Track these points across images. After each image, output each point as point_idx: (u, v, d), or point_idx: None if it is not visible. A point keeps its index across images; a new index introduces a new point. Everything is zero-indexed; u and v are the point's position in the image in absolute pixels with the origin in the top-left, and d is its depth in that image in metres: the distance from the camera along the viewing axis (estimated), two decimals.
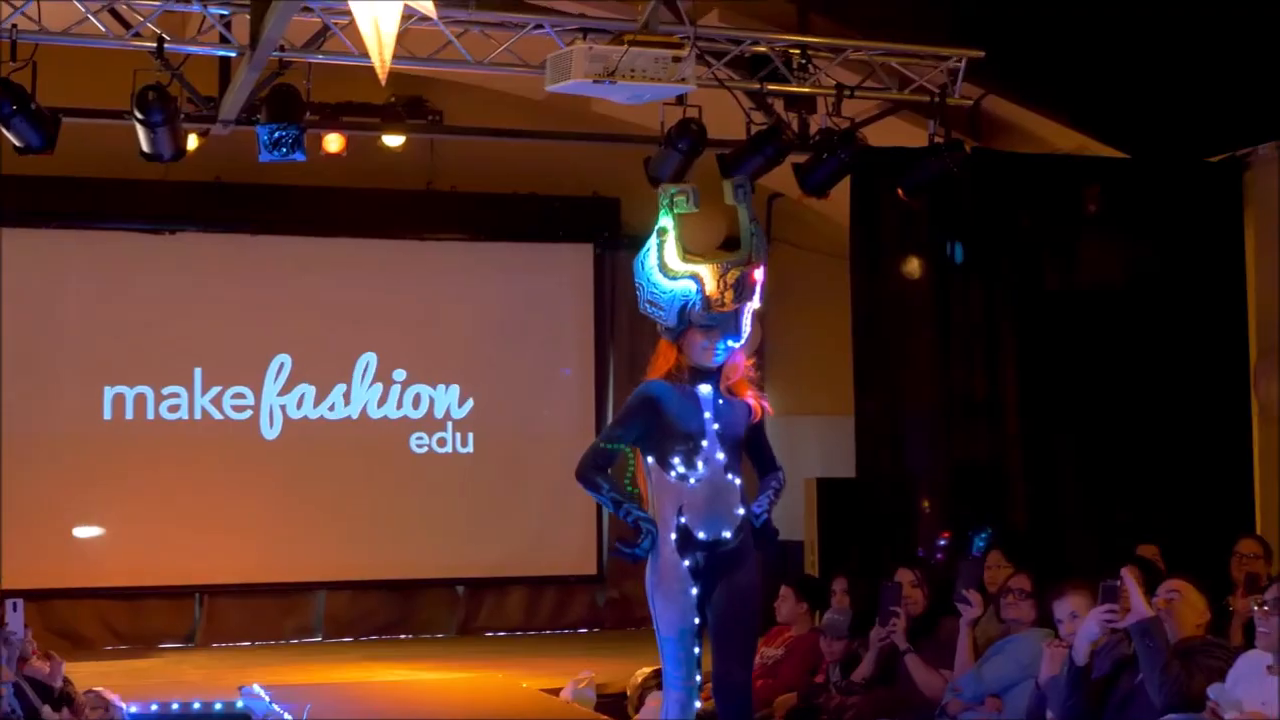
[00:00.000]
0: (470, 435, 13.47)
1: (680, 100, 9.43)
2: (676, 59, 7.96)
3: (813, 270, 13.11)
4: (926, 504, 10.39)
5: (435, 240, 13.52)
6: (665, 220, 6.19)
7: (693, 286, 6.07)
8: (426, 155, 12.92)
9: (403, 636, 13.26)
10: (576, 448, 13.68)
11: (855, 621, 8.20)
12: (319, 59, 9.06)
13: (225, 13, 8.67)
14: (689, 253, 6.15)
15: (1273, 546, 8.90)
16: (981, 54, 9.55)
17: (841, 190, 10.22)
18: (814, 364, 13.27)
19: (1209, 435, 10.59)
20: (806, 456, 13.13)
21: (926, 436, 10.40)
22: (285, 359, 13.06)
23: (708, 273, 6.09)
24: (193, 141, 9.81)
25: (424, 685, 10.55)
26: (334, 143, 11.45)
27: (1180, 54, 9.73)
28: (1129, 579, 5.91)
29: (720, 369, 6.15)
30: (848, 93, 9.75)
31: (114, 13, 8.65)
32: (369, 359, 13.22)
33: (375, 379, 13.26)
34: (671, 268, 6.12)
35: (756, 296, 6.15)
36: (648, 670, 9.33)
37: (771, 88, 9.76)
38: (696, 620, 6.02)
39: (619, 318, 13.91)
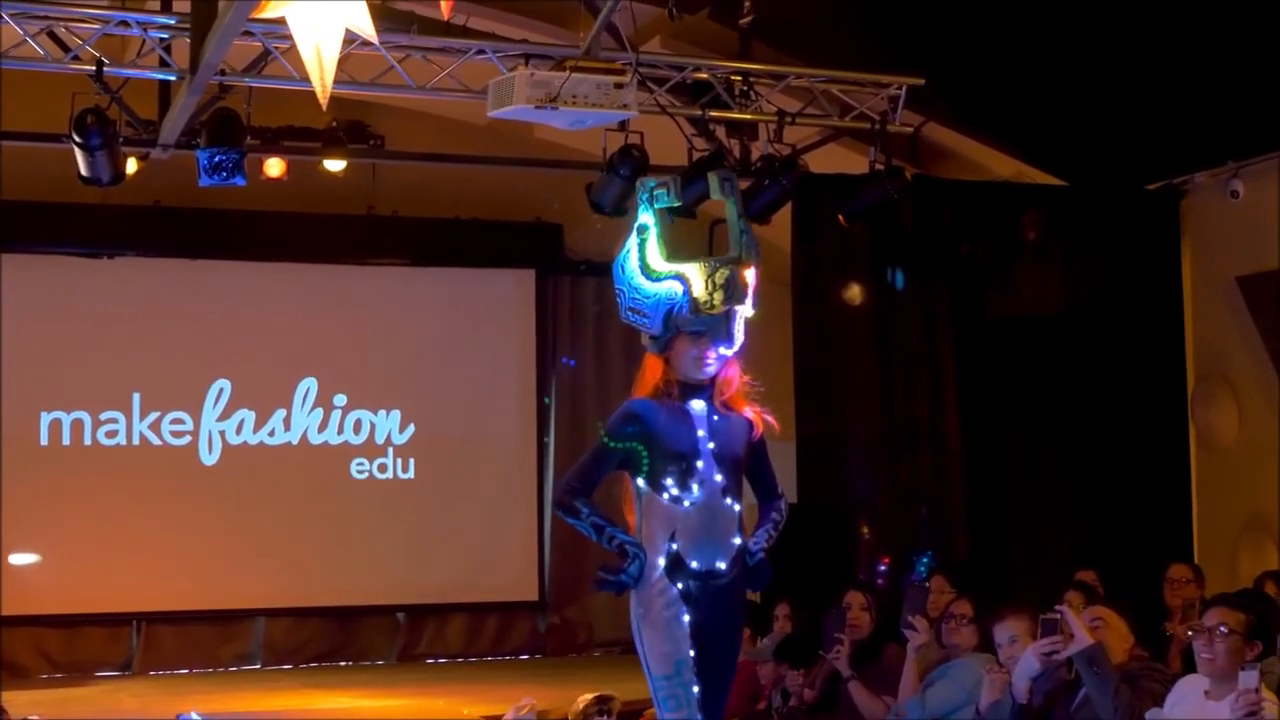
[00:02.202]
0: (411, 461, 13.41)
1: (622, 126, 9.43)
2: (619, 85, 7.96)
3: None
4: (866, 529, 10.41)
5: (376, 265, 13.47)
6: (645, 216, 5.66)
7: (678, 288, 5.51)
8: (368, 180, 12.87)
9: (342, 663, 13.17)
10: (517, 474, 13.94)
11: (794, 646, 8.20)
12: (260, 83, 9.01)
13: (165, 36, 8.62)
14: (673, 253, 5.60)
15: (1205, 571, 8.99)
16: (921, 81, 9.60)
17: (783, 216, 10.24)
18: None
19: (1148, 461, 10.67)
20: (747, 482, 13.11)
21: (868, 462, 10.44)
22: (225, 384, 12.97)
23: (694, 272, 5.52)
24: (132, 165, 9.73)
25: (364, 713, 10.49)
26: (275, 167, 11.41)
27: (1118, 83, 9.80)
28: (1067, 610, 5.93)
29: (714, 382, 5.57)
30: (789, 119, 9.77)
31: (53, 35, 8.58)
32: (310, 384, 13.15)
33: (316, 404, 13.19)
34: (655, 268, 5.57)
35: (749, 300, 5.57)
36: (589, 697, 9.28)
37: (713, 114, 9.78)
38: (692, 652, 5.35)
39: (561, 343, 13.91)
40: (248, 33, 8.24)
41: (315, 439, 13.18)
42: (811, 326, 10.47)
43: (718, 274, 5.51)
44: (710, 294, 5.49)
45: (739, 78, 9.70)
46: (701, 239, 9.69)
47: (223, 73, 8.62)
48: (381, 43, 8.17)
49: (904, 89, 9.67)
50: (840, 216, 10.05)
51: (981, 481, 10.44)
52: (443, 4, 5.55)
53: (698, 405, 5.56)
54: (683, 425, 5.51)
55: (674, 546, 5.41)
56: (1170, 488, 10.80)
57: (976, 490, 10.42)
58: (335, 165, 11.64)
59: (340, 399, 13.25)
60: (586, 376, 14.02)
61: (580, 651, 13.76)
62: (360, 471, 13.29)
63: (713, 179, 5.84)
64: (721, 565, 5.44)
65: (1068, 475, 10.49)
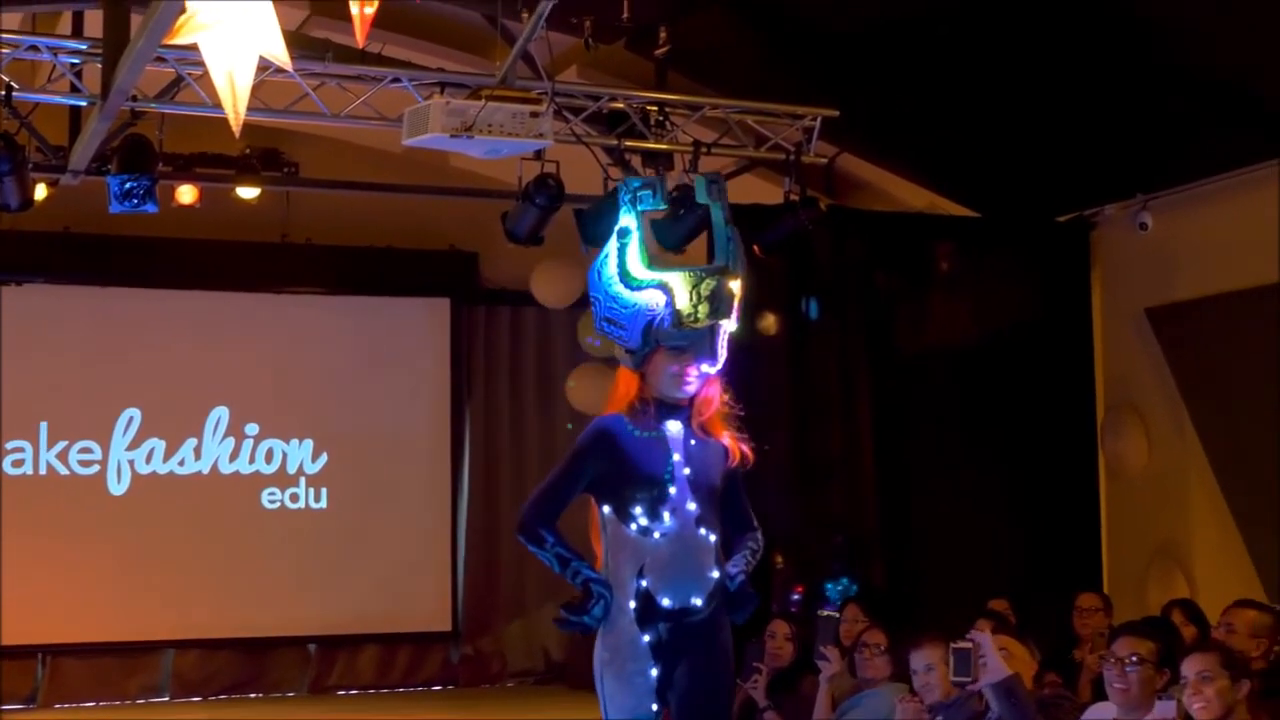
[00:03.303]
0: (324, 490, 13.31)
1: (538, 155, 9.42)
2: (534, 114, 7.96)
3: None
4: (780, 559, 10.42)
5: (290, 293, 13.38)
6: (627, 218, 5.25)
7: (660, 298, 5.09)
8: (282, 207, 12.80)
9: (252, 696, 13.03)
10: (431, 504, 13.87)
11: None
12: (172, 109, 8.93)
13: (76, 61, 8.53)
14: (655, 259, 5.21)
15: (1114, 600, 9.07)
16: (836, 113, 9.65)
17: (698, 246, 10.26)
18: None
19: (1059, 490, 10.76)
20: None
21: (782, 491, 10.44)
22: (134, 413, 12.83)
23: (678, 281, 5.11)
24: (41, 191, 9.63)
25: None
26: (187, 194, 11.31)
27: (1030, 116, 9.90)
28: (985, 639, 5.93)
29: (692, 402, 5.18)
30: (704, 149, 9.79)
31: None
32: (221, 413, 13.04)
33: (227, 433, 13.07)
34: (635, 276, 5.14)
35: (734, 314, 5.20)
36: None
37: (629, 144, 9.78)
38: (655, 707, 5.00)
39: (475, 372, 13.87)
40: (160, 58, 8.17)
41: (226, 468, 13.06)
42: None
43: (703, 285, 5.11)
44: (694, 306, 5.09)
45: (655, 108, 9.72)
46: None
47: (134, 99, 8.54)
48: (296, 70, 8.14)
49: (819, 120, 9.72)
50: (755, 246, 10.08)
51: (895, 510, 10.49)
52: (358, 32, 5.52)
53: (674, 427, 5.15)
54: (656, 448, 5.09)
55: (643, 583, 5.00)
56: (1080, 517, 10.88)
57: (890, 519, 10.47)
58: (248, 193, 11.56)
59: (252, 428, 13.14)
60: (500, 406, 13.99)
61: (493, 682, 13.70)
62: (272, 501, 13.18)
63: (700, 181, 5.52)
64: (697, 601, 5.04)
65: (980, 504, 10.56)
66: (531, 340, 14.14)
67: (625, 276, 5.18)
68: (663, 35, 9.13)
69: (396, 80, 9.02)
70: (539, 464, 13.97)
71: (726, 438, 5.23)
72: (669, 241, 10.08)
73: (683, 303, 5.10)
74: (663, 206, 5.41)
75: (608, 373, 13.60)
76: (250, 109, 5.92)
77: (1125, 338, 10.79)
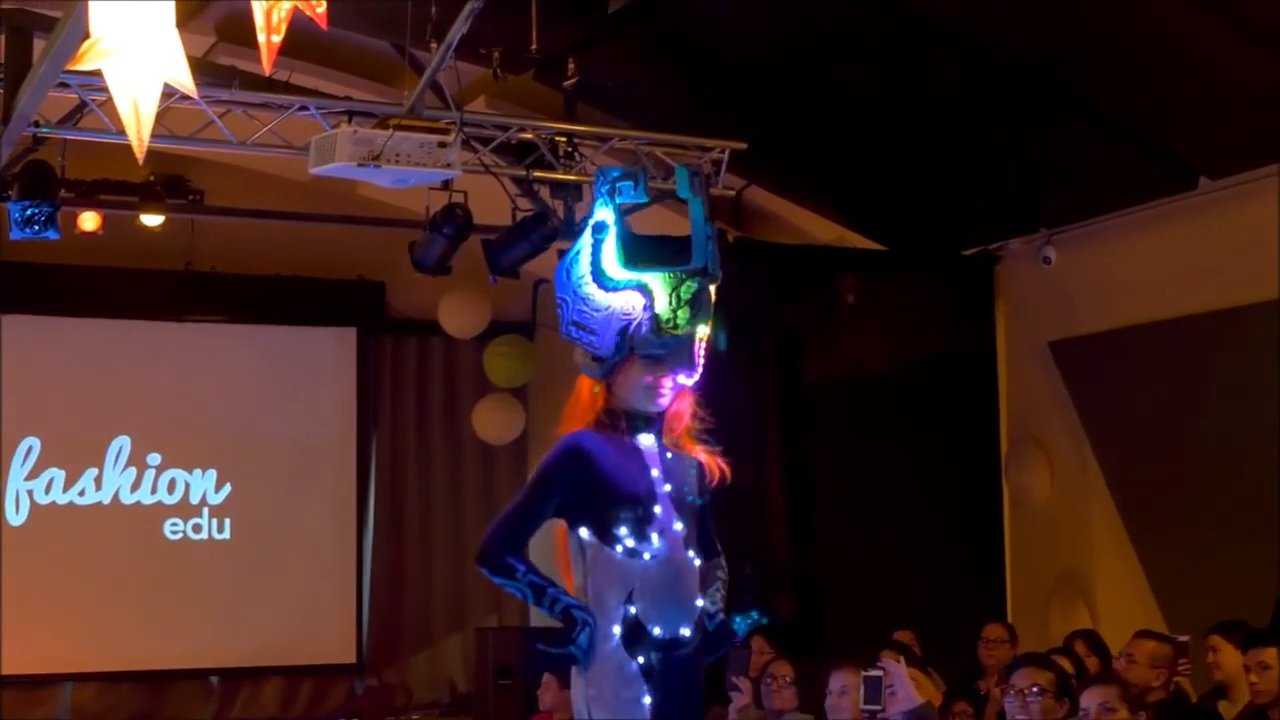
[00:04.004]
0: (227, 521, 13.17)
1: (446, 185, 9.39)
2: (442, 144, 7.94)
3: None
4: None
5: (194, 322, 13.25)
6: (604, 212, 4.76)
7: (638, 301, 4.60)
8: (186, 235, 12.68)
9: None
10: (336, 535, 13.77)
11: None
12: (75, 135, 8.83)
13: None
14: (632, 260, 4.69)
15: (1018, 631, 9.14)
16: (744, 145, 9.69)
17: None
18: None
19: (964, 522, 10.82)
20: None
21: None
22: (33, 442, 12.65)
23: (658, 283, 4.63)
24: None
25: None
26: (89, 221, 11.17)
27: (936, 151, 9.99)
28: (898, 668, 5.96)
29: (662, 415, 4.71)
30: None
31: None
32: (122, 443, 12.88)
33: (129, 463, 12.92)
34: (611, 275, 4.65)
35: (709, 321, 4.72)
36: None
37: (538, 174, 9.77)
38: None
39: (382, 402, 13.80)
40: (63, 84, 8.08)
41: (128, 499, 12.90)
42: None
43: (684, 287, 4.63)
44: (674, 311, 4.60)
45: (563, 138, 9.71)
46: None
47: (37, 124, 8.44)
48: (202, 97, 8.07)
49: (727, 153, 9.75)
50: None
51: (804, 542, 10.51)
52: (264, 59, 5.47)
53: (647, 440, 4.69)
54: (633, 463, 4.61)
55: (632, 610, 4.50)
56: (984, 548, 10.95)
57: (798, 550, 10.49)
58: (152, 220, 11.41)
59: (154, 458, 12.99)
60: (407, 437, 13.93)
61: (398, 714, 13.61)
62: (174, 532, 13.03)
63: (681, 173, 4.99)
64: (685, 632, 4.58)
65: (886, 535, 10.60)
66: (438, 370, 14.09)
67: (599, 276, 4.67)
68: (571, 66, 9.13)
69: (304, 108, 8.97)
70: (446, 495, 13.93)
71: (701, 453, 4.82)
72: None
73: (662, 306, 4.60)
74: (644, 200, 4.87)
75: (514, 405, 13.74)
76: (155, 136, 5.85)
77: (1029, 371, 10.88)
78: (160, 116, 6.03)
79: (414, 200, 9.92)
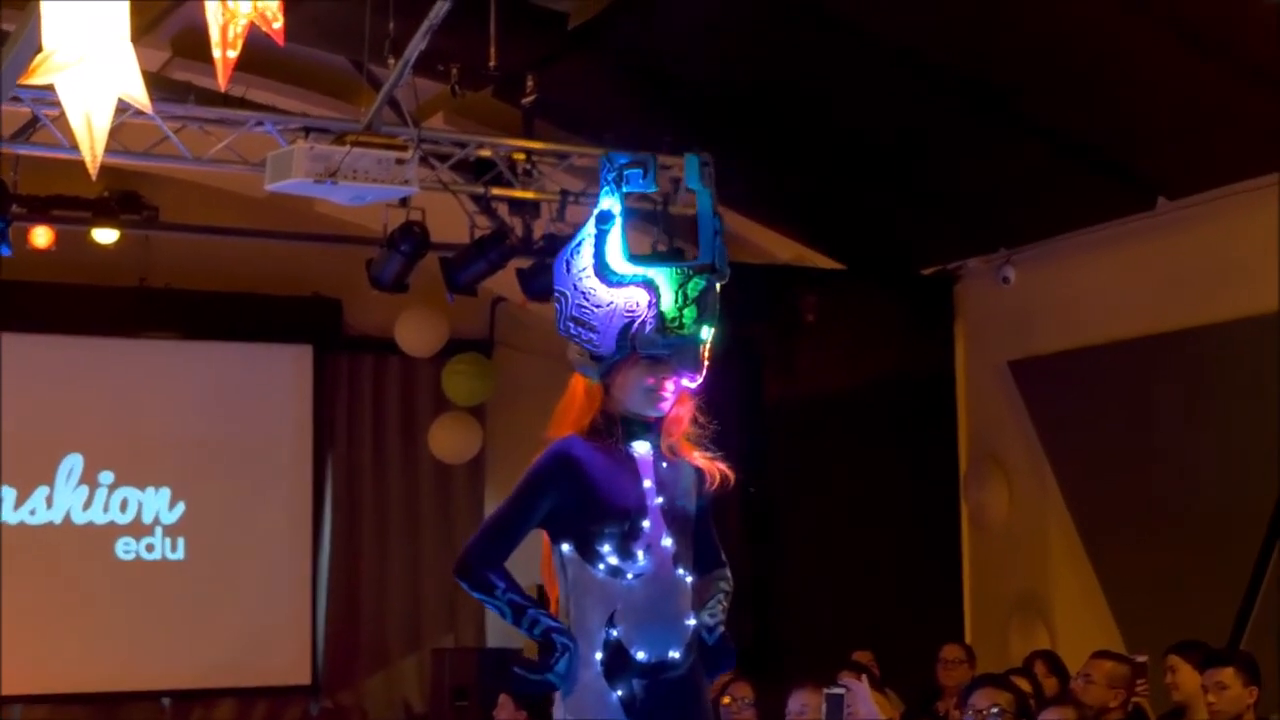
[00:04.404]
0: (181, 540, 13.04)
1: (403, 202, 9.35)
2: (400, 161, 7.91)
3: (535, 374, 13.07)
4: None
5: (148, 339, 13.13)
6: (610, 201, 4.42)
7: (643, 297, 4.29)
8: (141, 251, 12.57)
9: None
10: (291, 554, 13.67)
11: None
12: (28, 150, 8.76)
13: None
14: (636, 253, 4.41)
15: (976, 651, 9.13)
16: (654, 187, 9.67)
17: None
18: None
19: (923, 541, 10.81)
20: (525, 562, 13.01)
21: None
22: None
23: (664, 279, 4.32)
24: None
25: None
26: (42, 237, 11.06)
27: (895, 170, 10.00)
28: (859, 684, 5.94)
29: (660, 420, 4.41)
30: (572, 198, 9.78)
31: None
32: (74, 461, 12.74)
33: (81, 481, 12.77)
34: (615, 269, 4.32)
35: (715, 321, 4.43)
36: None
37: (496, 192, 9.74)
38: None
39: (338, 421, 13.71)
40: (16, 98, 8.01)
41: (79, 518, 12.76)
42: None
43: (690, 285, 4.33)
44: (680, 309, 4.32)
45: (522, 155, 9.69)
46: None
47: None
48: (156, 112, 8.01)
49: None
50: None
51: (763, 562, 10.48)
52: (220, 75, 5.42)
53: (642, 448, 4.37)
54: (624, 474, 4.31)
55: (614, 633, 4.20)
56: (943, 568, 10.95)
57: (758, 571, 10.45)
58: (106, 236, 11.31)
59: (106, 476, 12.86)
60: (363, 456, 13.84)
61: None
62: (126, 552, 12.89)
63: (691, 162, 4.75)
64: (675, 654, 4.25)
65: (845, 555, 10.58)
66: (395, 389, 14.00)
67: (603, 269, 4.32)
68: (530, 83, 9.10)
69: (260, 124, 8.91)
70: (402, 514, 13.85)
71: (699, 459, 4.49)
72: (535, 291, 10.01)
73: (667, 304, 4.30)
74: (653, 188, 4.59)
75: (472, 423, 13.68)
76: (109, 151, 5.79)
77: (988, 390, 10.89)
78: (114, 132, 5.97)
79: (371, 217, 9.87)
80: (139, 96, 5.44)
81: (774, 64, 9.04)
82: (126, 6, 5.42)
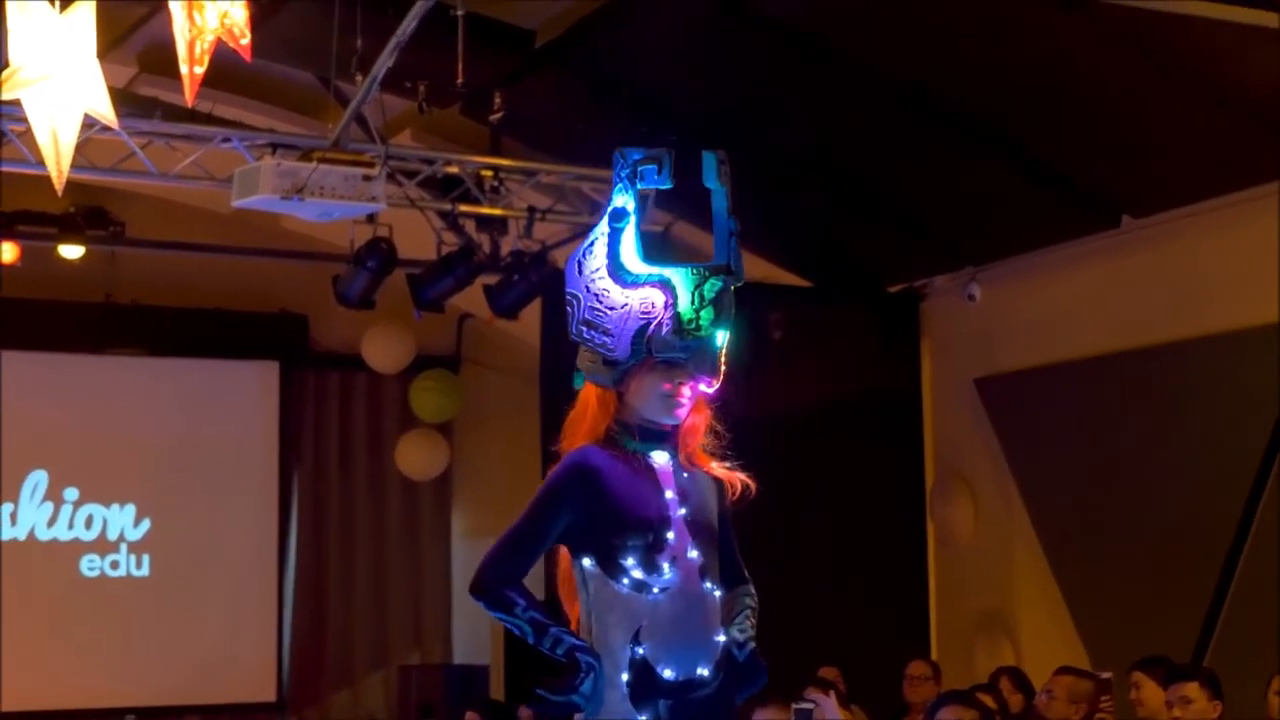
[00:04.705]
0: (146, 557, 12.98)
1: (371, 218, 9.35)
2: (367, 178, 7.91)
3: (503, 391, 13.10)
4: None
5: (114, 354, 13.08)
6: (623, 199, 4.19)
7: (659, 299, 4.06)
8: (107, 267, 12.53)
9: None
10: (257, 571, 13.63)
11: None
12: None
13: None
14: (651, 252, 4.17)
15: (942, 668, 9.15)
16: (669, 183, 9.70)
17: (532, 312, 10.23)
18: (503, 486, 13.21)
19: (889, 558, 10.82)
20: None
21: None
22: None
23: (680, 280, 4.10)
24: None
25: None
26: (7, 252, 11.03)
27: (862, 188, 10.04)
28: (827, 699, 5.95)
29: (677, 428, 4.20)
30: (539, 215, 9.79)
31: None
32: (39, 477, 12.68)
33: (45, 498, 12.71)
34: (630, 269, 4.08)
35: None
36: None
37: (463, 209, 9.75)
38: None
39: (304, 437, 13.67)
40: None
41: (44, 535, 12.69)
42: (560, 423, 10.41)
43: (707, 285, 4.14)
44: (696, 310, 4.11)
45: (489, 173, 9.70)
46: None
47: None
48: (123, 128, 7.99)
49: (653, 189, 9.75)
50: None
51: None
52: (186, 90, 5.42)
53: (660, 458, 4.15)
54: (645, 484, 4.08)
55: (639, 651, 3.95)
56: (909, 584, 10.97)
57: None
58: (72, 252, 11.28)
59: (71, 493, 12.80)
60: (330, 472, 13.80)
61: None
62: (91, 569, 12.83)
63: (709, 159, 4.40)
64: (703, 672, 4.00)
65: (811, 571, 10.59)
66: (362, 405, 13.97)
67: (617, 270, 4.07)
68: (498, 100, 9.11)
69: (227, 140, 8.91)
70: (368, 531, 13.81)
71: (717, 469, 4.30)
72: (502, 307, 10.02)
73: (684, 305, 4.08)
74: (669, 185, 4.28)
75: (439, 440, 13.66)
76: (75, 167, 5.80)
77: (954, 407, 10.92)
78: (80, 147, 5.96)
79: (338, 234, 9.87)
80: (105, 112, 5.44)
81: (741, 82, 9.06)
82: (93, 22, 5.43)
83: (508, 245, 10.06)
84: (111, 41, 8.79)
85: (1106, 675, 7.64)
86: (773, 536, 10.58)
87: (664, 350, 4.05)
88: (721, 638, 4.06)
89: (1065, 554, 10.04)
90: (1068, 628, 9.89)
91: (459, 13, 7.25)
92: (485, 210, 9.81)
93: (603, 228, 4.14)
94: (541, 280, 9.82)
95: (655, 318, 4.05)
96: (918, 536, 11.03)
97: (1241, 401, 8.79)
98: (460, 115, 9.89)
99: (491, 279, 10.08)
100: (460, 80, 7.67)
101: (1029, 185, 9.31)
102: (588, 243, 4.14)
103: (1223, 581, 8.76)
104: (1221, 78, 7.95)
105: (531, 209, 9.77)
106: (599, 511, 4.01)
